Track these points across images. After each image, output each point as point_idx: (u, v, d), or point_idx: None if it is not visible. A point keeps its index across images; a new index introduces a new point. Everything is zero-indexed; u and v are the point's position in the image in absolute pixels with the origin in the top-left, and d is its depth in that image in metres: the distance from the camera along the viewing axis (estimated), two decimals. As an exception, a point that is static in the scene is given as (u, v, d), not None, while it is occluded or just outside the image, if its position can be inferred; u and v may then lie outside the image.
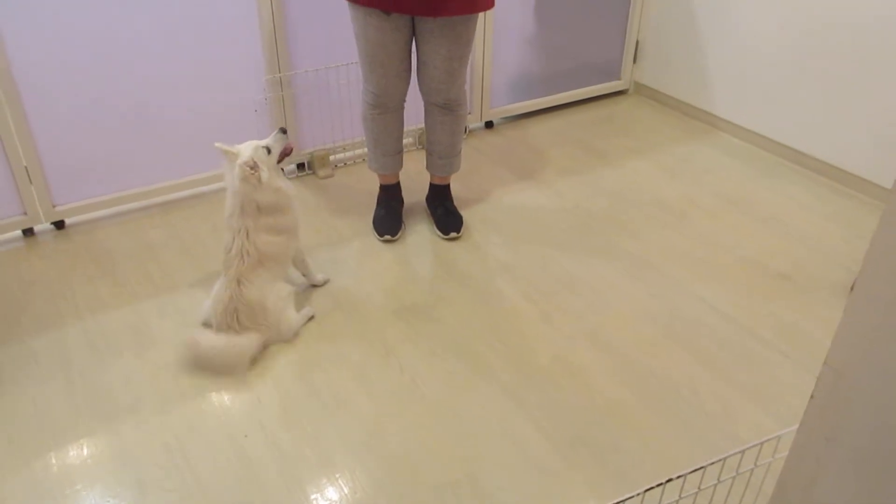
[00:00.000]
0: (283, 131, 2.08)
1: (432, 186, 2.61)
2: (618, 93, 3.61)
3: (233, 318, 1.96)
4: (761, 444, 1.32)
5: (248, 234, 1.97)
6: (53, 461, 1.71)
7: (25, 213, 2.48)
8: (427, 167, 2.57)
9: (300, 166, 2.93)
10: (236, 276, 1.97)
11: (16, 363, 1.99)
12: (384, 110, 2.39)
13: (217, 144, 1.98)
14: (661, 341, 2.08)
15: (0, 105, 2.29)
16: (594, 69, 3.50)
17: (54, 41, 2.31)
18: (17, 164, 2.39)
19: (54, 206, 2.52)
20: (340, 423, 1.81)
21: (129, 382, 1.93)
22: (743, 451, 1.29)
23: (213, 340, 1.96)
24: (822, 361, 1.97)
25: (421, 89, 2.39)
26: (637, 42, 3.51)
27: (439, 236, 2.52)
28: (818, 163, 2.90)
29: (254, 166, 1.94)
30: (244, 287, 1.96)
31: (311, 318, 2.13)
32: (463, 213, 2.59)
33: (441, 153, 2.50)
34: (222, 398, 1.89)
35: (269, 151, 2.02)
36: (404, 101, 2.41)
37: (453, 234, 2.50)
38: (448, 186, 2.61)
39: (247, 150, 1.98)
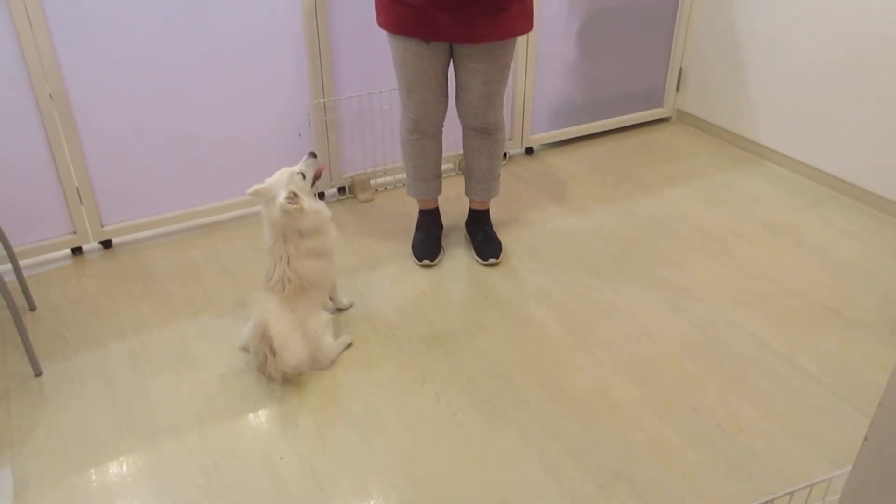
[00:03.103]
0: (314, 155, 2.11)
1: (471, 212, 2.61)
2: (660, 120, 3.59)
3: (266, 345, 1.97)
4: (811, 486, 1.27)
5: (289, 261, 1.99)
6: (93, 477, 1.74)
7: (75, 233, 2.55)
8: (466, 192, 2.58)
9: (341, 190, 2.96)
10: (269, 299, 1.98)
11: (61, 380, 2.03)
12: (422, 135, 2.41)
13: (249, 191, 2.00)
14: (703, 374, 2.03)
15: (56, 129, 2.37)
16: (636, 96, 3.48)
17: (107, 69, 2.39)
18: (70, 185, 2.47)
19: (102, 227, 2.59)
20: (376, 449, 1.81)
21: (169, 402, 1.95)
22: (792, 493, 1.25)
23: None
24: (871, 400, 1.91)
25: (459, 114, 2.41)
26: (680, 69, 3.49)
27: (478, 262, 2.51)
28: (867, 194, 2.83)
29: (294, 198, 1.96)
30: (282, 314, 1.97)
31: (350, 345, 2.13)
32: (502, 239, 2.58)
33: (479, 178, 2.51)
34: (260, 421, 1.89)
35: (304, 177, 2.04)
36: (442, 125, 2.43)
37: (492, 261, 2.49)
38: (487, 211, 2.60)
39: (281, 179, 2.00)
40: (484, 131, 2.40)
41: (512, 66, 2.97)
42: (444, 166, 2.57)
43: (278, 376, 1.98)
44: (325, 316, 2.09)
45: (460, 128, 2.47)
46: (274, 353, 1.95)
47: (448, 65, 2.30)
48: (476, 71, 2.24)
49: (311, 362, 2.03)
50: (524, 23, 2.22)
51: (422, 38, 2.18)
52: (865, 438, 1.00)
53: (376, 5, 2.25)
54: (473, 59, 2.23)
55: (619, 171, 3.13)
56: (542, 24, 3.04)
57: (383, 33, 2.28)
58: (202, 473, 1.74)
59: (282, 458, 1.78)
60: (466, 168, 2.53)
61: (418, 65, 2.23)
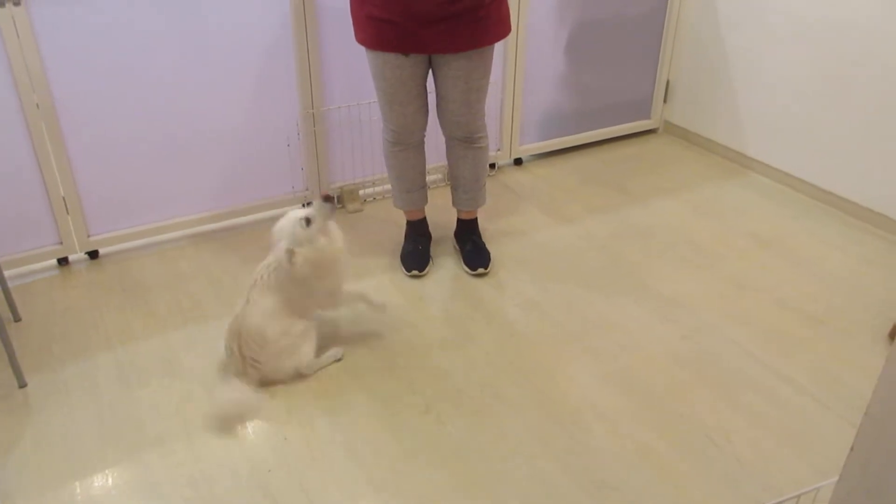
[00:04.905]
0: (329, 199, 1.96)
1: (459, 222, 2.62)
2: (648, 132, 3.61)
3: (234, 341, 1.95)
4: (799, 495, 1.28)
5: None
6: (79, 490, 1.72)
7: (61, 243, 2.53)
8: (453, 203, 2.58)
9: (330, 200, 2.96)
10: (248, 294, 1.95)
11: (46, 391, 2.01)
12: (405, 147, 2.42)
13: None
14: (692, 385, 2.04)
15: (42, 138, 2.35)
16: (624, 108, 3.51)
17: (94, 79, 2.38)
18: (56, 194, 2.45)
19: (89, 237, 2.57)
20: (366, 461, 1.80)
21: (157, 413, 1.94)
22: (780, 503, 1.25)
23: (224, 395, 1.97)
24: (859, 409, 1.92)
25: (442, 125, 2.41)
26: (668, 81, 3.52)
27: (467, 272, 2.51)
28: (853, 205, 2.86)
29: (292, 256, 1.90)
30: (248, 307, 1.95)
31: (339, 360, 2.11)
32: (491, 249, 2.58)
33: (466, 187, 2.51)
34: (248, 432, 1.88)
35: (308, 222, 1.92)
36: (424, 136, 2.44)
37: (481, 270, 2.49)
38: (475, 221, 2.61)
39: (285, 228, 1.93)
40: (467, 140, 2.41)
41: (500, 75, 3.00)
42: (432, 177, 2.58)
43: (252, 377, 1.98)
44: (300, 326, 2.02)
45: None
46: (241, 353, 1.95)
47: (427, 74, 2.31)
48: (456, 79, 2.25)
49: (272, 371, 2.00)
50: (503, 28, 2.25)
51: (401, 52, 2.19)
52: (852, 448, 1.01)
53: (353, 22, 2.26)
54: (452, 67, 2.23)
55: (607, 181, 3.15)
56: (530, 35, 3.06)
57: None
58: (190, 485, 1.73)
59: (269, 471, 1.77)
60: (452, 178, 2.54)
61: (398, 76, 2.24)
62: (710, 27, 3.26)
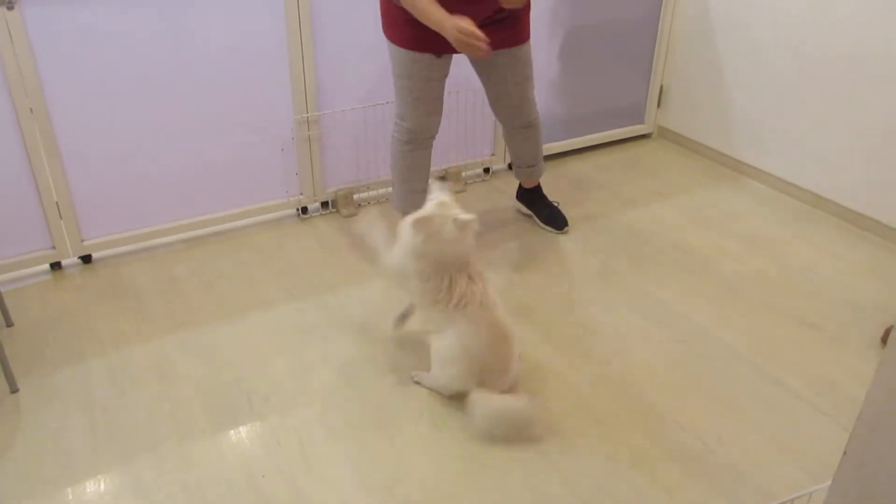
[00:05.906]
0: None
1: (525, 190, 2.84)
2: (642, 136, 3.62)
3: (506, 344, 1.92)
4: (793, 499, 1.28)
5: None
6: (70, 496, 1.71)
7: (54, 247, 2.52)
8: (516, 176, 2.82)
9: (324, 205, 2.95)
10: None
11: (39, 397, 2.00)
12: (416, 147, 2.46)
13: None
14: (685, 389, 2.04)
15: (35, 143, 2.35)
16: (618, 113, 3.52)
17: (88, 83, 2.37)
18: (49, 199, 2.44)
19: (82, 241, 2.56)
20: (361, 468, 1.79)
21: (149, 419, 1.93)
22: (773, 507, 1.25)
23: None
24: (852, 413, 1.93)
25: (500, 118, 2.59)
26: (661, 86, 3.53)
27: (553, 233, 2.76)
28: (847, 211, 2.87)
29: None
30: (496, 310, 1.93)
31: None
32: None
33: (529, 162, 2.73)
34: (241, 438, 1.88)
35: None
36: (434, 138, 2.49)
37: (567, 228, 2.76)
38: (539, 185, 2.83)
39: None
40: (528, 126, 2.61)
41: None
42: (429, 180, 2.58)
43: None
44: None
45: (443, 143, 2.50)
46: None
47: (447, 76, 2.40)
48: (506, 75, 2.42)
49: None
50: (528, 31, 2.41)
51: (435, 53, 2.27)
52: (845, 452, 1.01)
53: (388, 20, 2.29)
54: (499, 66, 2.39)
55: (601, 186, 3.16)
56: (524, 41, 3.06)
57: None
58: (183, 491, 1.72)
59: (263, 476, 1.76)
60: (514, 157, 2.74)
61: (425, 76, 2.32)
62: (703, 32, 3.27)
